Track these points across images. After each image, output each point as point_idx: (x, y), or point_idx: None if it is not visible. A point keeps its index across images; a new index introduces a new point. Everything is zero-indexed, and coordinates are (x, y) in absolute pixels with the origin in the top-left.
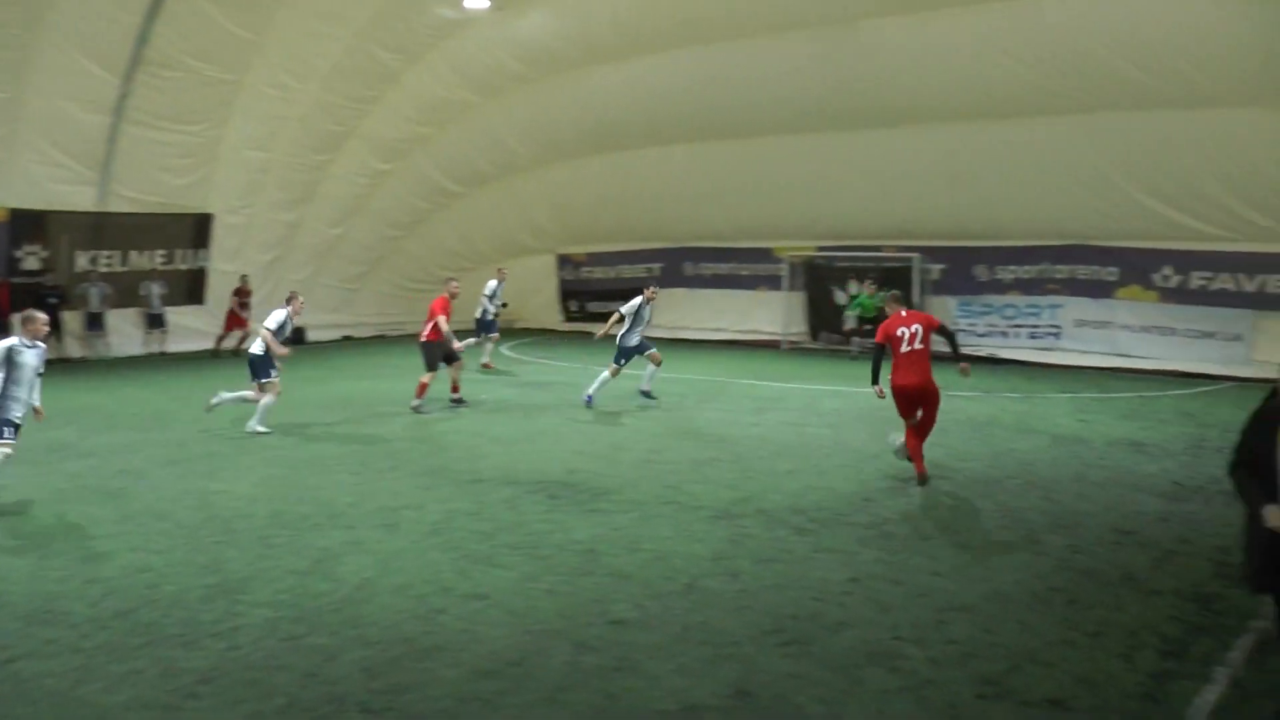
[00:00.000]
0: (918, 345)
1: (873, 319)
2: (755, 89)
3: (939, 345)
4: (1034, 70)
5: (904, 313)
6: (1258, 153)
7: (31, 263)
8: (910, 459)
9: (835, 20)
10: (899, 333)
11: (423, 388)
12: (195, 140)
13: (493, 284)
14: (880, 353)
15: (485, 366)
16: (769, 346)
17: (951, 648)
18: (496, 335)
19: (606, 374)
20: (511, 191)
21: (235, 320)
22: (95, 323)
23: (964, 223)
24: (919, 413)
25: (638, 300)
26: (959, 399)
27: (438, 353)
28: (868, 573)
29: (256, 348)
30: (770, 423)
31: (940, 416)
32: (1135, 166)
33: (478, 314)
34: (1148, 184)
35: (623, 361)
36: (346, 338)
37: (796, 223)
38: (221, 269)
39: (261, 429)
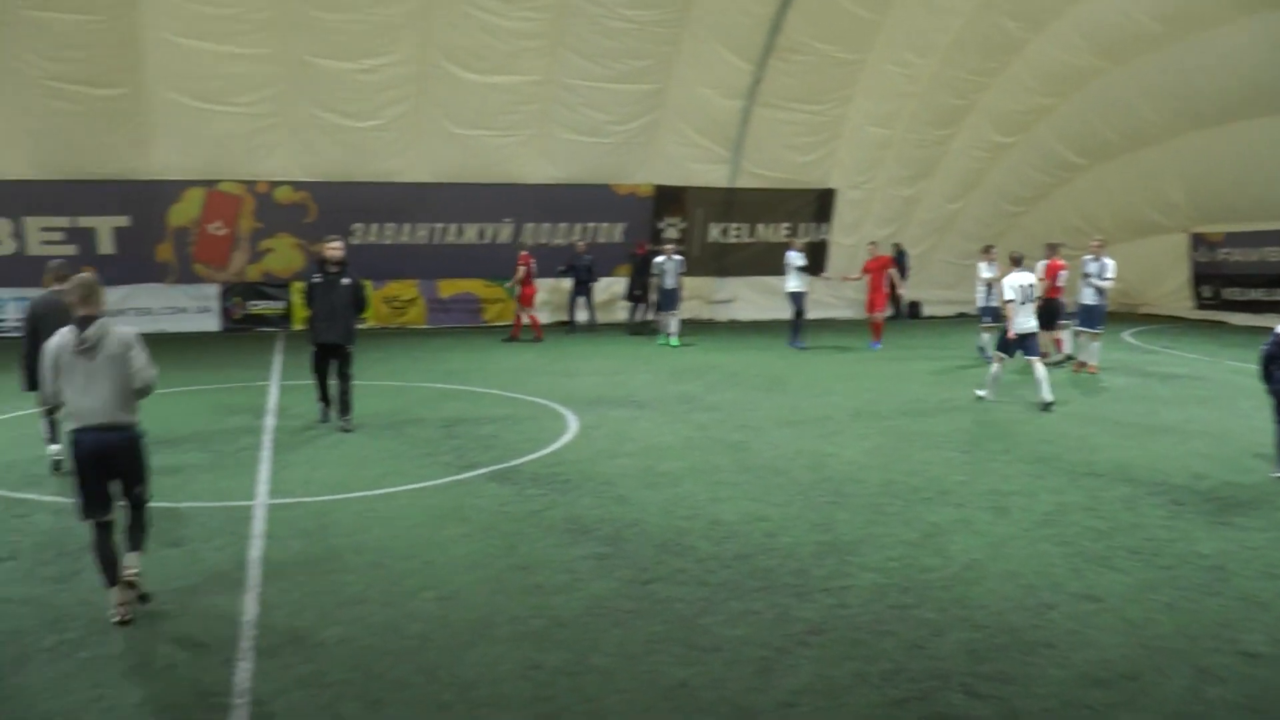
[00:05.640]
0: None
1: None
2: None
3: None
4: None
5: None
6: None
7: (671, 233)
8: None
9: None
10: None
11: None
12: (819, 120)
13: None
14: None
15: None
16: None
17: None
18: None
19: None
20: (1139, 164)
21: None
22: (669, 300)
23: None
24: None
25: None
26: None
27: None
28: None
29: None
30: None
31: None
32: None
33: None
34: None
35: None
36: (961, 315)
37: None
38: (841, 242)
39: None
